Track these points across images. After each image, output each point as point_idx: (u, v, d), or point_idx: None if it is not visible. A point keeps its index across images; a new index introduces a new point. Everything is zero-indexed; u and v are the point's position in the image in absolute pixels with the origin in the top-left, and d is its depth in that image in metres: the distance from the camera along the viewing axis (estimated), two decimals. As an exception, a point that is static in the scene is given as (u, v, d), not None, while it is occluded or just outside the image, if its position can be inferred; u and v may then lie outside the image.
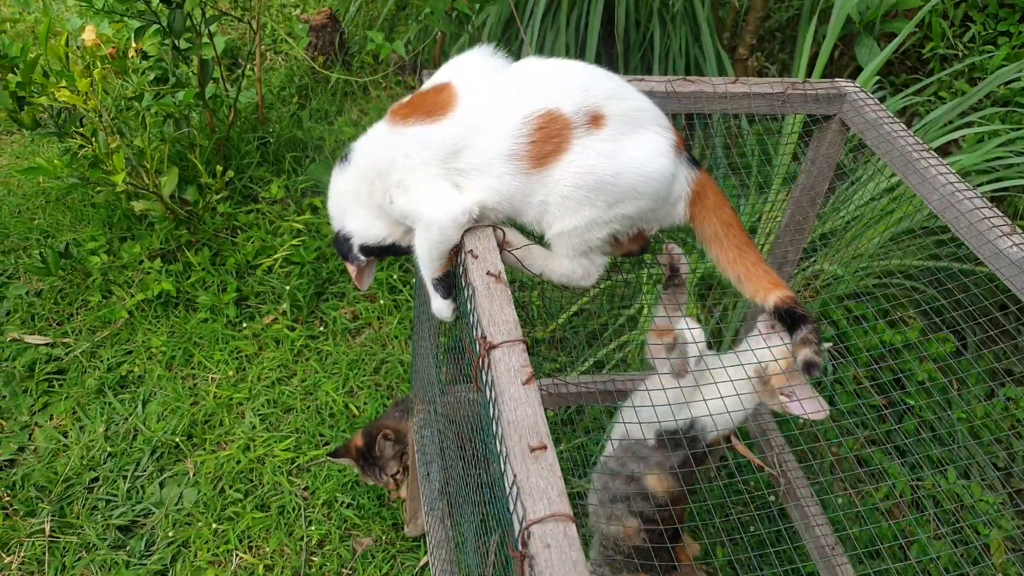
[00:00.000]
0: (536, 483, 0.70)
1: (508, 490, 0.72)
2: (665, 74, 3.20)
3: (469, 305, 0.91)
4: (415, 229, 1.07)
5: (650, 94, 1.39)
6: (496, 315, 0.87)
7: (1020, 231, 1.15)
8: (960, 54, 3.36)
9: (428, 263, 1.08)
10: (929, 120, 2.76)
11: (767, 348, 1.34)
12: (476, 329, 0.86)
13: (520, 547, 0.67)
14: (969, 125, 2.79)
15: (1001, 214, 1.18)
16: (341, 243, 1.22)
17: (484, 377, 0.83)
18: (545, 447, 0.72)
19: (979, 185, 2.52)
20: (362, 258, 1.22)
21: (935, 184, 1.27)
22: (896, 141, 1.37)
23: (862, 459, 2.27)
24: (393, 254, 1.21)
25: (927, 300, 2.37)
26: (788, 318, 1.12)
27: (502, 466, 0.75)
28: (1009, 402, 2.29)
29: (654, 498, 1.42)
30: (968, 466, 2.25)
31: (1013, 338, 2.41)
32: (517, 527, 0.69)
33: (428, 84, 1.13)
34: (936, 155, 1.33)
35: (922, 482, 2.19)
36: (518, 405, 0.77)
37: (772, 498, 1.91)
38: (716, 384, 1.28)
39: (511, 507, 0.71)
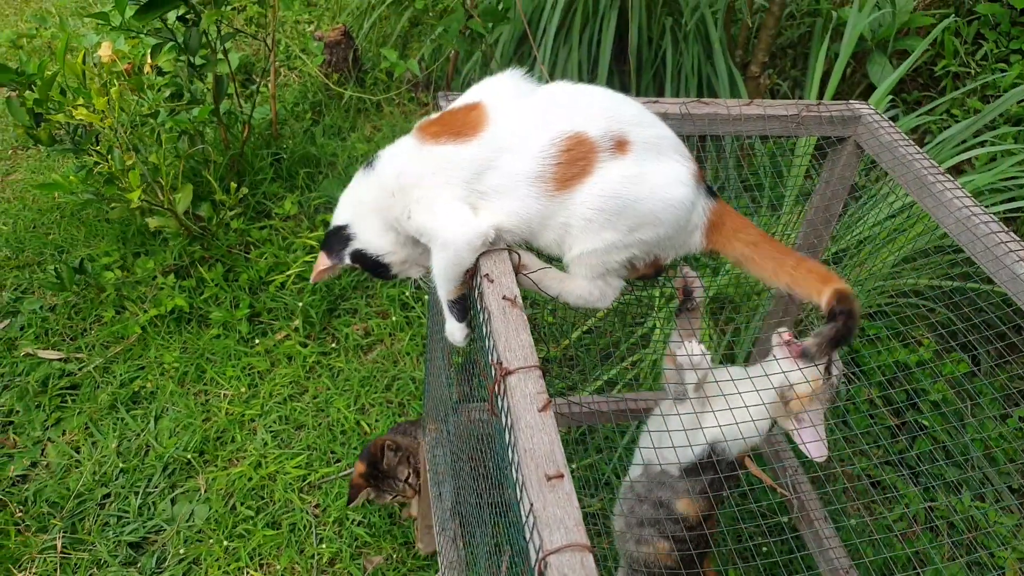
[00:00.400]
0: (553, 512, 0.69)
1: (524, 519, 0.71)
2: (677, 92, 3.21)
3: (485, 329, 0.91)
4: (432, 248, 1.07)
5: (664, 116, 1.39)
6: (512, 340, 0.87)
7: (1037, 256, 1.14)
8: (973, 72, 3.36)
9: (443, 283, 1.08)
10: (943, 139, 2.75)
11: (798, 370, 1.34)
12: (492, 354, 0.86)
13: (537, 577, 0.67)
14: (983, 144, 2.78)
15: (1017, 238, 1.18)
16: (336, 237, 1.21)
17: (500, 403, 0.83)
18: (562, 476, 0.72)
19: (992, 205, 2.51)
20: (347, 261, 1.21)
21: (950, 207, 1.27)
22: (911, 164, 1.36)
23: (876, 480, 2.25)
24: (378, 275, 1.21)
25: (940, 320, 2.36)
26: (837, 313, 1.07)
27: (518, 494, 0.75)
28: (1023, 423, 2.26)
29: (685, 520, 1.42)
30: (983, 488, 2.23)
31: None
32: (534, 557, 0.68)
33: (458, 103, 1.14)
34: (951, 177, 1.33)
35: (935, 503, 2.17)
36: (534, 432, 0.77)
37: (786, 519, 1.89)
38: (738, 395, 1.29)
39: (527, 536, 0.70)
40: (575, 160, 1.01)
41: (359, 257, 1.19)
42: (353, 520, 2.09)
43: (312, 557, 2.01)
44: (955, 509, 2.14)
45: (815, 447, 1.36)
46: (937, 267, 2.42)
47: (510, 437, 0.78)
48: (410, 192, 1.07)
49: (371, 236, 1.17)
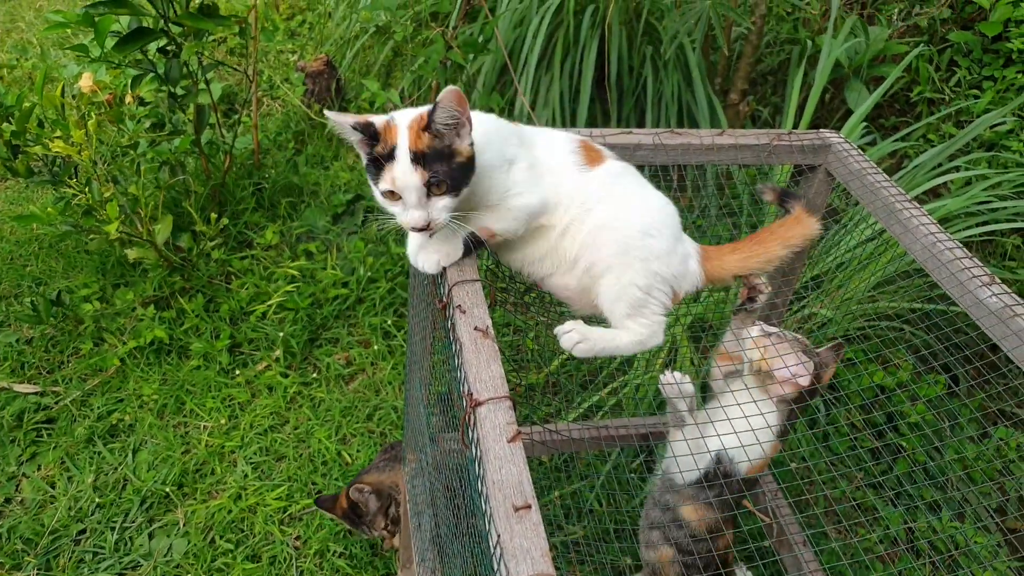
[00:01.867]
0: (520, 543, 0.70)
1: (492, 550, 0.71)
2: (658, 120, 3.25)
3: (457, 360, 0.92)
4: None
5: (638, 146, 1.42)
6: (482, 371, 0.88)
7: (999, 281, 1.16)
8: (947, 98, 3.42)
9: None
10: (918, 163, 2.80)
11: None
12: (463, 385, 0.87)
13: (505, 610, 0.67)
14: (957, 169, 2.83)
15: (980, 264, 1.20)
16: None
17: (471, 434, 0.83)
18: (529, 506, 0.73)
19: (966, 228, 2.55)
20: None
21: (917, 234, 1.29)
22: (879, 191, 1.39)
23: (858, 503, 2.25)
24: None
25: (919, 341, 2.38)
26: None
27: (487, 525, 0.75)
28: (1001, 442, 2.28)
29: (688, 527, 1.42)
30: (962, 507, 2.24)
31: (1005, 378, 2.41)
32: (501, 589, 0.68)
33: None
34: (918, 205, 1.35)
35: (916, 523, 2.18)
36: (503, 464, 0.77)
37: (766, 544, 1.89)
38: (730, 415, 1.31)
39: (495, 566, 0.71)
40: None
41: None
42: (334, 552, 2.07)
43: (292, 590, 1.99)
44: (935, 529, 2.14)
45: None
46: (914, 289, 2.45)
47: (479, 468, 0.78)
48: None
49: None
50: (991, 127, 3.03)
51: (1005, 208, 2.61)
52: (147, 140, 2.66)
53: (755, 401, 1.35)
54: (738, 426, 1.32)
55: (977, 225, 2.59)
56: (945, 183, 2.89)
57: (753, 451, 1.36)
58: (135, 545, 2.08)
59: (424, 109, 1.01)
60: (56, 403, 2.42)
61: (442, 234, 1.08)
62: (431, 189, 1.00)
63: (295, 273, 2.75)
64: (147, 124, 2.69)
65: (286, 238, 2.96)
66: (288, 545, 2.08)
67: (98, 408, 2.41)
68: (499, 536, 0.70)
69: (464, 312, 0.96)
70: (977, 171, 2.72)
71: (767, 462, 1.48)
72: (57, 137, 2.20)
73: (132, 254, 2.48)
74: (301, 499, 2.19)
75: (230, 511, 2.15)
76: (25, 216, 2.41)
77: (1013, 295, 1.16)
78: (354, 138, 1.03)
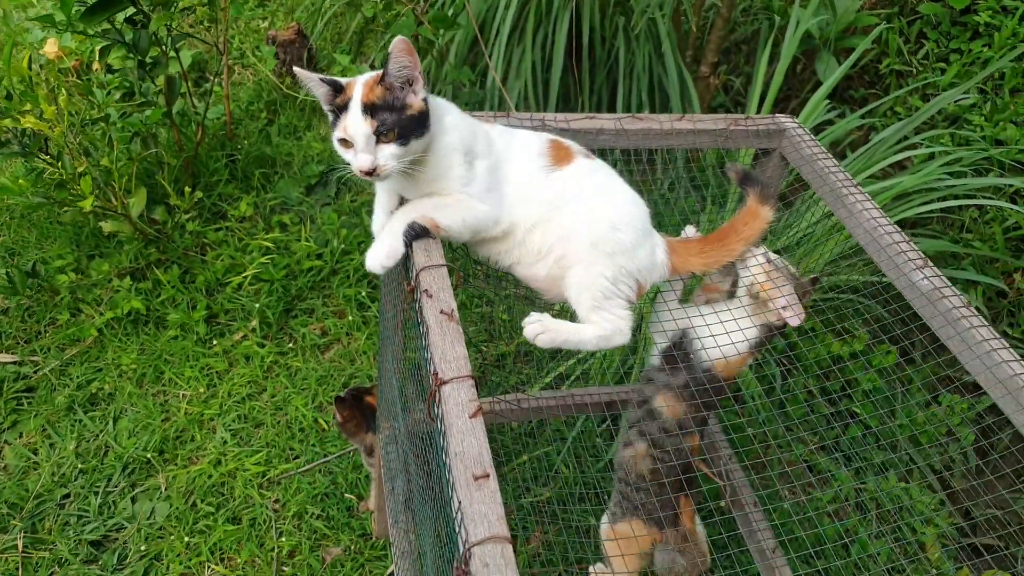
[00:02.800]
0: (478, 508, 0.78)
1: (455, 514, 0.80)
2: (629, 91, 3.29)
3: (423, 341, 0.99)
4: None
5: (600, 132, 1.48)
6: (448, 352, 0.95)
7: (931, 265, 1.25)
8: (915, 70, 3.50)
9: None
10: (882, 137, 2.87)
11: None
12: (429, 365, 0.94)
13: (464, 565, 0.75)
14: (920, 145, 2.91)
15: (915, 248, 1.29)
16: None
17: (436, 410, 0.90)
18: (488, 475, 0.81)
19: (924, 204, 2.63)
20: None
21: (860, 219, 1.38)
22: (828, 177, 1.47)
23: (811, 465, 2.38)
24: None
25: (872, 312, 2.49)
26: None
27: (448, 491, 0.83)
28: (947, 409, 2.41)
29: (660, 418, 1.49)
30: (908, 470, 2.37)
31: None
32: (461, 548, 0.77)
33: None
34: (862, 190, 1.43)
35: (865, 485, 2.31)
36: (464, 437, 0.85)
37: (721, 504, 2.01)
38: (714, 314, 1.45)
39: (456, 529, 0.79)
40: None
41: None
42: (312, 514, 2.16)
43: (272, 550, 2.08)
44: (882, 490, 2.28)
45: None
46: (868, 262, 2.55)
47: (443, 441, 0.86)
48: None
49: None
50: (955, 101, 3.11)
51: (965, 183, 2.70)
52: (118, 111, 2.66)
53: (738, 319, 1.44)
54: (711, 319, 1.42)
55: (937, 200, 2.68)
56: (909, 157, 2.98)
57: (722, 346, 1.44)
58: (118, 509, 2.15)
59: (392, 45, 1.10)
60: (35, 372, 2.47)
61: (385, 233, 1.16)
62: (379, 137, 1.10)
63: (270, 245, 2.79)
64: (117, 95, 2.68)
65: (260, 210, 2.99)
66: (267, 508, 2.17)
67: (77, 377, 2.46)
68: (460, 502, 0.79)
69: (431, 296, 1.03)
70: (938, 148, 2.81)
71: (731, 369, 1.53)
72: (27, 110, 2.21)
73: (107, 227, 2.51)
74: (279, 464, 2.27)
75: (210, 476, 2.22)
76: (-2, 188, 2.43)
77: (943, 279, 1.25)
78: (320, 91, 1.14)
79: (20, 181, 2.36)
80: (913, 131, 2.90)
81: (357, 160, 1.11)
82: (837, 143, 3.23)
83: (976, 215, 2.92)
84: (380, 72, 1.11)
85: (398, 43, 1.07)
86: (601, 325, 1.24)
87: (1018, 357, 1.11)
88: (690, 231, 1.58)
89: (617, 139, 1.50)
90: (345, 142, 1.12)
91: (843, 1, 3.50)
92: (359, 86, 1.11)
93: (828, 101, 3.18)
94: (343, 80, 1.14)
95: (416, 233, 1.13)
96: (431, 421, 0.93)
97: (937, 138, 2.98)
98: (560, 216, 1.23)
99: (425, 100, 1.13)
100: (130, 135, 2.76)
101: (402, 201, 1.22)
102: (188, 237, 2.76)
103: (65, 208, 2.56)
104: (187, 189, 2.60)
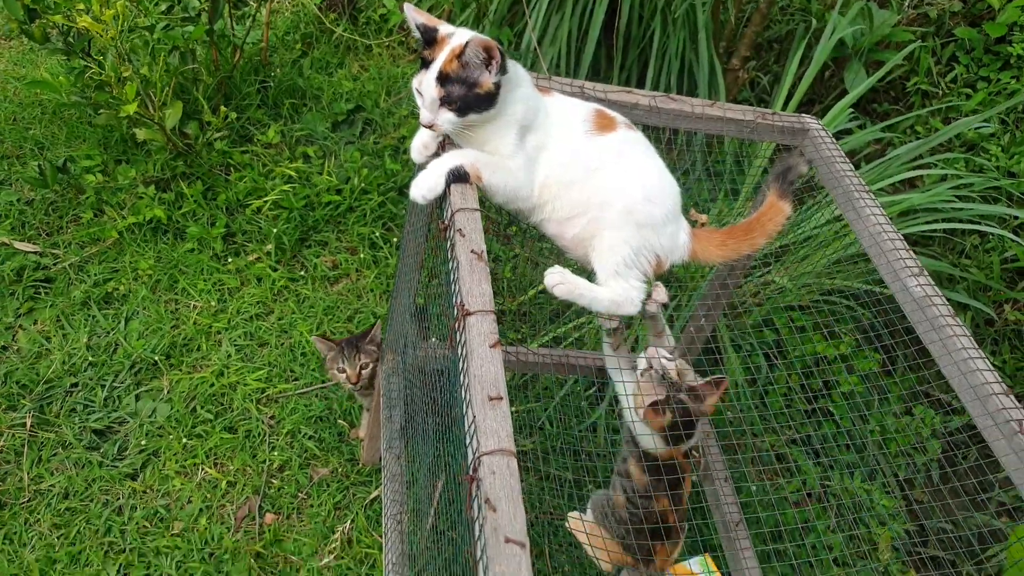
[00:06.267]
0: (491, 424, 0.87)
1: (468, 428, 0.89)
2: (659, 74, 3.34)
3: (453, 275, 1.07)
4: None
5: (634, 106, 1.56)
6: (474, 288, 1.03)
7: (926, 274, 1.34)
8: (941, 92, 3.55)
9: None
10: (896, 154, 2.94)
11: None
12: (457, 297, 1.03)
13: (472, 472, 0.85)
14: (934, 165, 2.98)
15: (914, 256, 1.38)
16: None
17: (459, 337, 0.99)
18: (501, 398, 0.90)
19: (928, 223, 2.71)
20: None
21: (867, 222, 1.46)
22: (842, 179, 1.55)
23: (781, 455, 2.49)
24: None
25: (862, 320, 2.59)
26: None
27: (464, 409, 0.92)
28: (916, 419, 2.52)
29: (631, 482, 1.59)
30: (874, 472, 2.49)
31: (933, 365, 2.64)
32: (471, 457, 0.86)
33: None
34: (873, 196, 1.52)
35: (830, 481, 2.43)
36: (484, 363, 0.94)
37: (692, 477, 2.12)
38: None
39: (468, 441, 0.88)
40: None
41: None
42: (305, 434, 2.27)
43: (264, 462, 2.18)
44: (846, 488, 2.39)
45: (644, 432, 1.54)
46: (865, 272, 2.64)
47: (464, 364, 0.95)
48: None
49: None
50: (975, 128, 3.17)
51: (971, 208, 2.77)
52: (162, 23, 2.71)
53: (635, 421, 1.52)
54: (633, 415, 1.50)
55: (942, 221, 2.76)
56: (921, 176, 3.05)
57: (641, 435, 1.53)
58: (123, 404, 2.26)
59: (469, 37, 1.18)
60: (54, 264, 2.55)
61: (431, 169, 1.24)
62: (443, 103, 1.20)
63: (292, 173, 2.86)
64: (163, 7, 2.73)
65: (286, 139, 3.05)
66: (263, 422, 2.27)
67: (95, 275, 2.54)
68: (475, 417, 0.88)
69: (464, 236, 1.11)
70: (950, 171, 2.88)
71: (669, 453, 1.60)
72: (80, 9, 2.26)
73: (141, 135, 2.57)
74: (279, 383, 2.37)
75: (212, 384, 2.32)
76: (38, 82, 2.49)
77: (935, 288, 1.34)
78: (416, 35, 1.24)
79: (60, 79, 2.42)
80: (929, 151, 2.97)
81: (421, 114, 1.22)
82: (854, 153, 3.29)
83: (977, 242, 3.00)
84: (463, 43, 1.17)
85: (476, 41, 1.15)
86: (616, 291, 1.31)
87: (992, 367, 1.20)
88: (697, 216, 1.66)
89: (649, 116, 1.57)
90: (418, 91, 1.22)
91: (881, 14, 3.54)
92: (445, 52, 1.19)
93: (851, 110, 3.23)
94: (438, 32, 1.22)
95: (458, 177, 1.21)
96: (452, 348, 1.02)
97: (952, 161, 3.04)
98: (597, 179, 1.30)
99: (497, 83, 1.20)
100: (169, 48, 2.80)
101: (447, 138, 1.30)
102: (215, 155, 2.82)
103: (101, 111, 2.62)
104: (223, 108, 2.66)
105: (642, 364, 1.57)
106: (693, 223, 1.48)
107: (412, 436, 1.76)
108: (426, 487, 1.65)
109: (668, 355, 1.56)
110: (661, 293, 1.51)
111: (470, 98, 1.19)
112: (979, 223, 2.81)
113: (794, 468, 2.46)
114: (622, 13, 3.24)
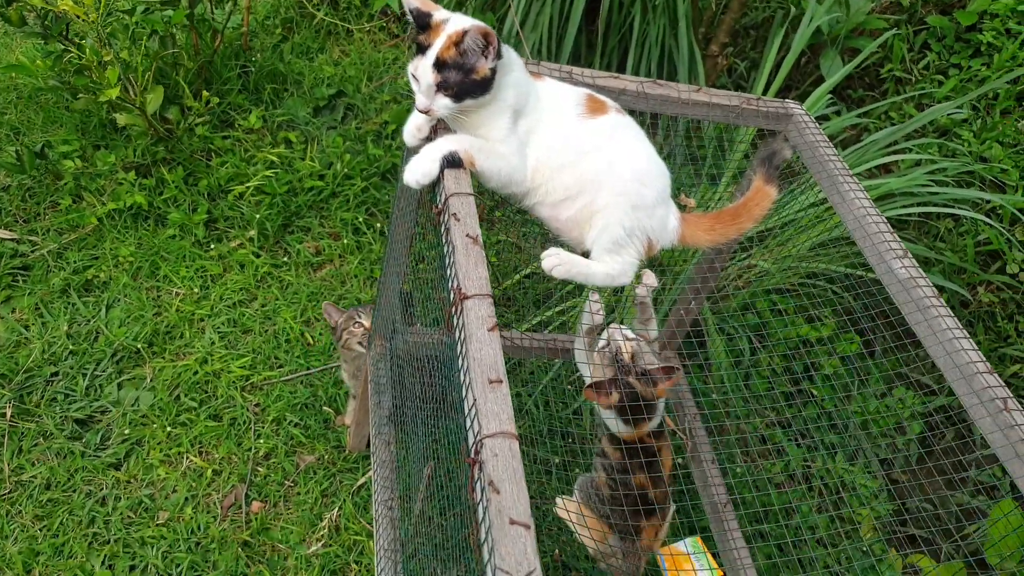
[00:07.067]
0: (491, 407, 0.88)
1: (468, 411, 0.89)
2: (639, 61, 3.35)
3: (448, 260, 1.07)
4: None
5: (622, 92, 1.56)
6: (471, 272, 1.04)
7: (910, 256, 1.37)
8: (914, 79, 3.60)
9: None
10: (872, 140, 2.98)
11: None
12: (453, 281, 1.03)
13: (474, 455, 0.85)
14: (909, 150, 3.03)
15: (898, 238, 1.40)
16: None
17: (456, 321, 1.00)
18: (501, 381, 0.90)
19: (904, 207, 2.76)
20: None
21: (851, 205, 1.48)
22: (826, 163, 1.57)
23: (765, 437, 2.53)
24: None
25: (843, 303, 2.63)
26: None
27: (464, 392, 0.92)
28: (899, 401, 2.57)
29: (608, 460, 1.61)
30: (855, 453, 2.54)
31: (918, 345, 2.69)
32: (472, 440, 0.87)
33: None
34: (857, 180, 1.54)
35: (814, 463, 2.47)
36: (482, 346, 0.94)
37: (680, 460, 2.14)
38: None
39: (468, 424, 0.89)
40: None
41: None
42: (291, 421, 2.26)
43: (249, 450, 2.18)
44: (830, 470, 2.43)
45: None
46: (847, 256, 2.67)
47: (463, 348, 0.95)
48: None
49: None
50: (948, 114, 3.22)
51: (946, 192, 2.83)
52: (141, 6, 2.66)
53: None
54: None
55: (916, 205, 2.81)
56: (896, 161, 3.09)
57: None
58: (104, 392, 2.23)
59: (469, 25, 1.18)
60: (32, 252, 2.51)
61: (425, 154, 1.23)
62: (439, 88, 1.19)
63: (275, 159, 2.83)
64: (141, -11, 2.68)
65: (268, 124, 3.02)
66: (248, 410, 2.26)
67: (74, 262, 2.50)
68: (475, 400, 0.88)
69: (459, 220, 1.11)
70: (925, 156, 2.92)
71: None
72: (60, -9, 2.21)
73: (121, 119, 2.53)
74: (263, 371, 2.36)
75: (196, 372, 2.31)
76: (14, 66, 2.44)
77: (919, 269, 1.36)
78: (410, 19, 1.22)
79: (38, 62, 2.37)
80: (903, 137, 3.01)
81: (417, 99, 1.22)
82: (831, 138, 3.31)
83: (951, 226, 3.05)
84: (460, 30, 1.17)
85: (476, 29, 1.15)
86: (611, 265, 1.33)
87: (976, 347, 1.23)
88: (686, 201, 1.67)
89: (637, 101, 1.58)
90: (414, 76, 1.22)
91: (856, 2, 3.57)
92: (442, 39, 1.18)
93: (829, 96, 3.27)
94: (433, 18, 1.21)
95: (452, 163, 1.21)
96: (449, 332, 1.02)
97: (926, 146, 3.09)
98: (589, 162, 1.31)
99: (493, 69, 1.20)
100: (148, 32, 2.76)
101: (440, 121, 1.29)
102: (196, 140, 2.79)
103: (80, 95, 2.57)
104: (204, 93, 2.62)
105: (601, 342, 1.59)
106: (682, 207, 1.49)
107: (402, 422, 1.76)
108: (415, 474, 1.66)
109: (630, 334, 1.58)
110: (651, 278, 1.53)
111: (467, 84, 1.19)
112: (953, 207, 2.86)
113: (778, 450, 2.50)
114: (602, 1, 3.23)
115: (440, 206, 1.17)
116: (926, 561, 2.20)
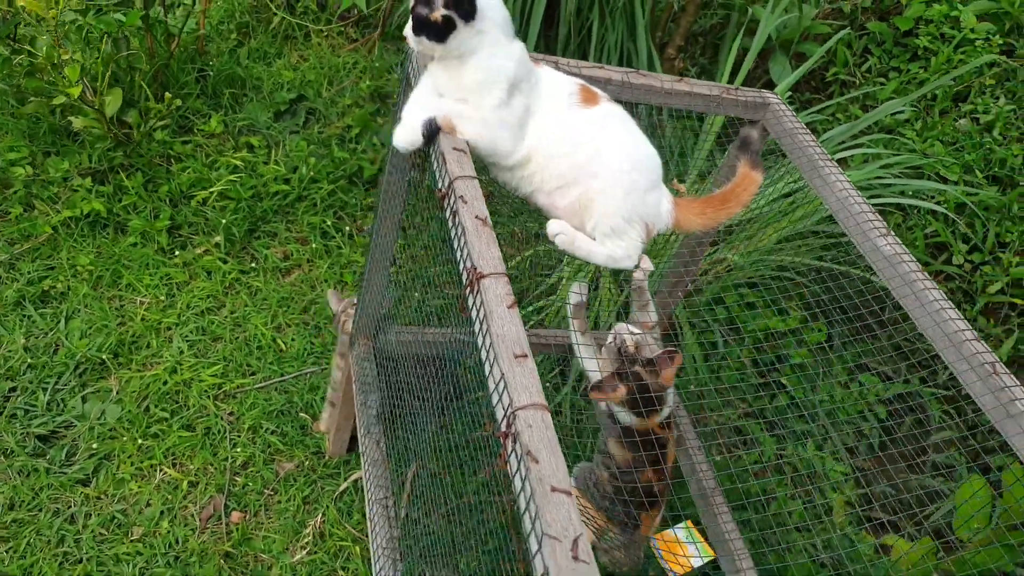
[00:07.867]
0: (520, 380, 0.87)
1: (495, 386, 0.88)
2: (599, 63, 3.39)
3: (459, 241, 1.06)
4: None
5: (608, 81, 1.58)
6: (484, 252, 1.03)
7: (892, 233, 1.41)
8: (858, 82, 3.73)
9: None
10: (825, 138, 3.08)
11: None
12: (467, 261, 1.02)
13: (505, 428, 0.84)
14: (859, 146, 3.14)
15: (880, 218, 1.44)
16: None
17: (473, 300, 0.98)
18: (527, 356, 0.89)
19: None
20: None
21: (833, 189, 1.52)
22: (806, 150, 1.61)
23: (739, 428, 2.56)
24: None
25: (810, 294, 2.69)
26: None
27: (488, 370, 0.91)
28: (863, 387, 2.64)
29: (614, 459, 1.60)
30: (824, 440, 2.59)
31: (875, 335, 2.77)
32: (502, 414, 0.85)
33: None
34: (836, 165, 1.58)
35: (785, 451, 2.51)
36: (504, 323, 0.93)
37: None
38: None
39: (497, 399, 0.87)
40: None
41: None
42: (267, 429, 2.20)
43: (226, 460, 2.11)
44: (800, 457, 2.48)
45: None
46: (812, 248, 2.74)
47: (484, 326, 0.94)
48: None
49: None
50: (891, 114, 3.36)
51: (896, 184, 2.93)
52: (94, 8, 2.58)
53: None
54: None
55: (870, 197, 2.90)
56: (846, 158, 3.20)
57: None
58: (68, 407, 2.14)
59: None
60: (-17, 263, 2.40)
61: (407, 122, 1.27)
62: (412, 17, 1.25)
63: (238, 163, 2.77)
64: (93, -9, 2.60)
65: (229, 128, 2.96)
66: (222, 419, 2.19)
67: (28, 273, 2.40)
68: (503, 374, 0.87)
69: (466, 202, 1.10)
70: (874, 151, 3.03)
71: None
72: (14, -10, 2.13)
73: (78, 123, 2.44)
74: (236, 378, 2.29)
75: (165, 382, 2.23)
76: (-40, 69, 2.33)
77: (903, 246, 1.40)
78: None
79: (-18, 65, 2.28)
80: (850, 137, 3.13)
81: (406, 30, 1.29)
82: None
83: (900, 220, 3.17)
84: None
85: None
86: (614, 248, 1.34)
87: (962, 316, 1.27)
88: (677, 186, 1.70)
89: (622, 91, 1.59)
90: None
91: (803, 8, 3.70)
92: None
93: (790, 93, 3.36)
94: None
95: (433, 131, 1.23)
96: (464, 314, 1.01)
97: (876, 142, 3.21)
98: (582, 150, 1.32)
99: (447, 17, 1.22)
100: (101, 35, 2.67)
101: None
102: (156, 145, 2.71)
103: (30, 99, 2.48)
104: (167, 95, 2.55)
105: (609, 339, 1.60)
106: (675, 193, 1.50)
107: (394, 420, 1.73)
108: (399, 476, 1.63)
109: (635, 330, 1.59)
110: (647, 263, 1.54)
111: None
112: (902, 200, 2.97)
113: (752, 440, 2.53)
114: (563, 4, 3.27)
115: (444, 190, 1.16)
116: (902, 543, 2.26)
